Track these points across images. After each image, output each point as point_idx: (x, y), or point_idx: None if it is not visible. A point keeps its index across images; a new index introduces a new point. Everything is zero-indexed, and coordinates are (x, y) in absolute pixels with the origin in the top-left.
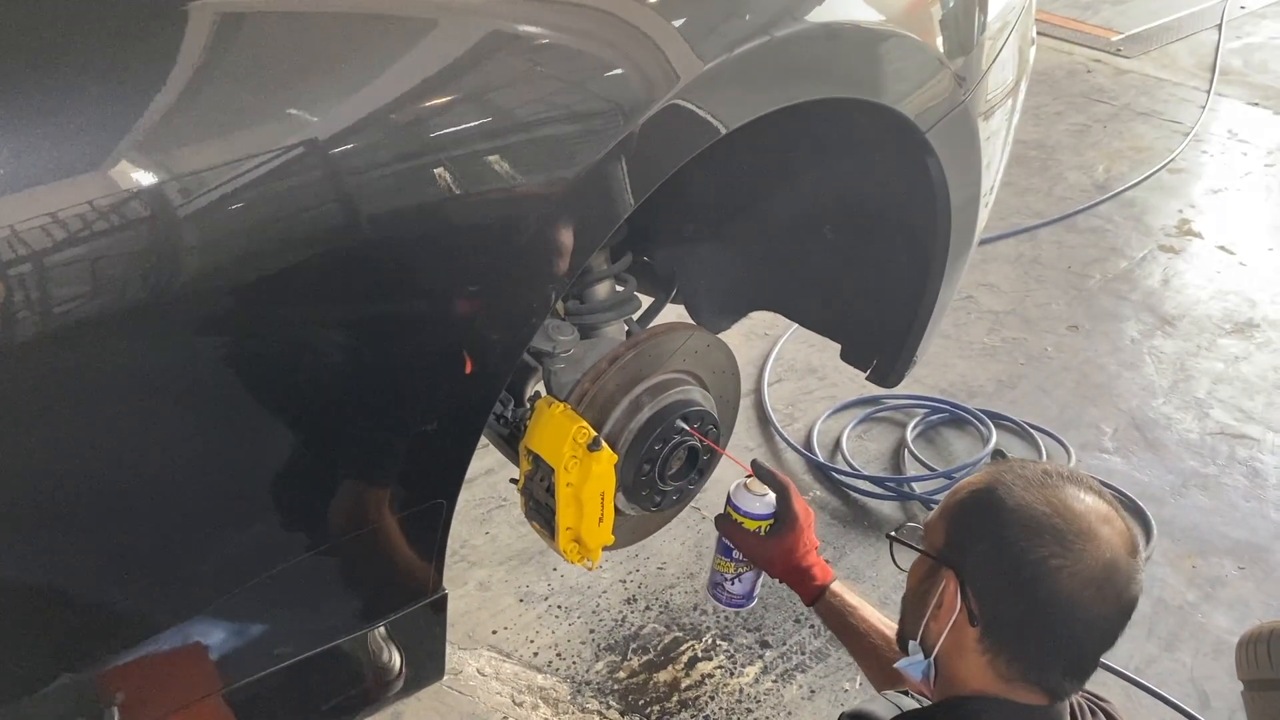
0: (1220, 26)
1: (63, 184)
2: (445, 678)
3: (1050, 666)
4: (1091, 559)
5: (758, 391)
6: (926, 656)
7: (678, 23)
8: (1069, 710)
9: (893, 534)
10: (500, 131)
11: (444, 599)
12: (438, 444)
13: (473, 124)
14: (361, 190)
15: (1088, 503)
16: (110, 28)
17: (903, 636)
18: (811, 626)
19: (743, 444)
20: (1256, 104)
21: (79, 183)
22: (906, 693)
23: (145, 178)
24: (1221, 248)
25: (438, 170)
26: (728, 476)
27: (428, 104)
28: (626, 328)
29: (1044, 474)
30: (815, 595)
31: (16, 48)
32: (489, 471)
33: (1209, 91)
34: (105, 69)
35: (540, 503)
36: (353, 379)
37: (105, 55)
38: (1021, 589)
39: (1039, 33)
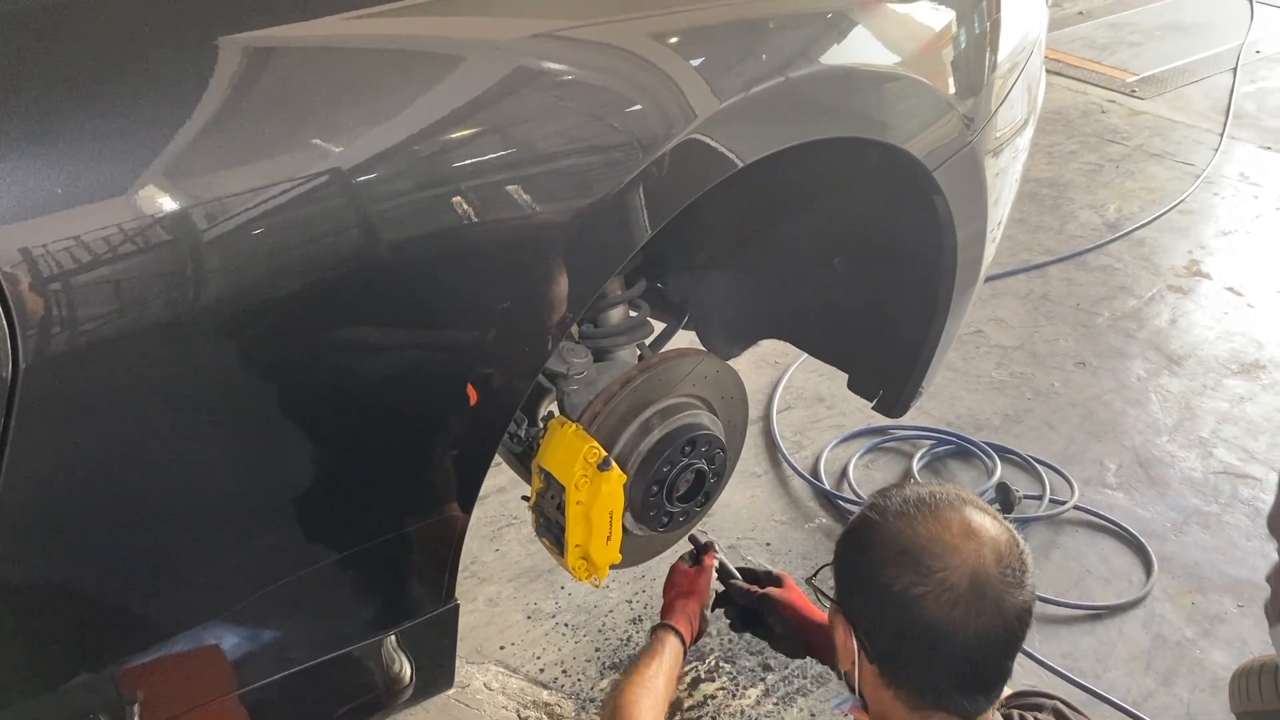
0: (1235, 70)
1: (106, 204)
2: (453, 690)
3: (948, 689)
4: (955, 578)
5: (766, 418)
6: (852, 692)
7: (696, 62)
8: None
9: (811, 580)
10: (524, 162)
11: (455, 609)
12: (455, 459)
13: (498, 155)
14: (390, 217)
15: (948, 521)
16: (150, 62)
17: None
18: None
19: (750, 470)
20: (1269, 148)
21: (117, 203)
22: None
23: (177, 202)
24: (1230, 289)
25: (461, 198)
26: (735, 501)
27: (455, 135)
28: (639, 352)
29: (907, 502)
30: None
31: (70, 80)
32: (501, 490)
33: (1222, 134)
34: (146, 99)
35: (551, 520)
36: (375, 396)
37: (147, 86)
38: (894, 622)
39: (1055, 73)
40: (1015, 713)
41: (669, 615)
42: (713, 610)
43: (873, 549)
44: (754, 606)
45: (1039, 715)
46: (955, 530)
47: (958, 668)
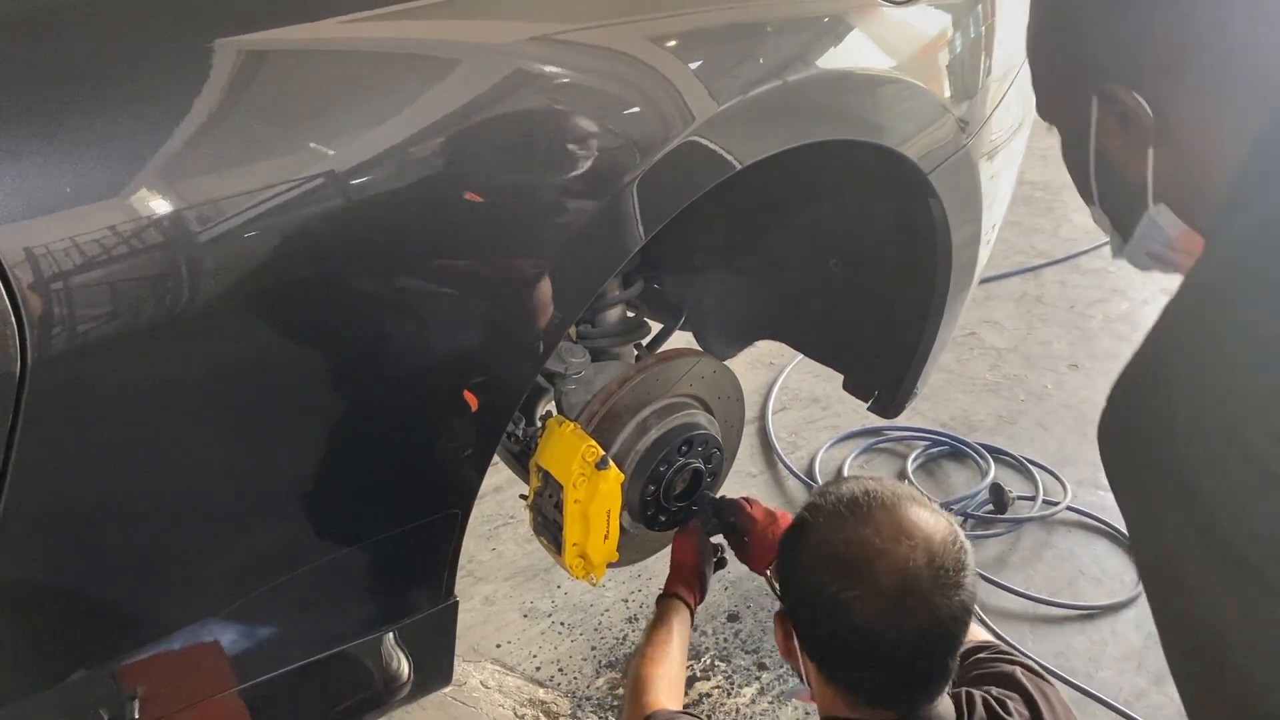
0: None
1: (113, 202)
2: (450, 688)
3: (883, 689)
4: (884, 582)
5: (762, 419)
6: (803, 682)
7: (694, 65)
8: (959, 705)
9: (767, 573)
10: (523, 165)
11: (454, 606)
12: (455, 457)
13: (497, 158)
14: (392, 219)
15: (879, 523)
16: (158, 62)
17: None
18: None
19: (746, 470)
20: None
21: (124, 202)
22: None
23: (183, 202)
24: None
25: (460, 201)
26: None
27: (454, 139)
28: (636, 352)
29: (840, 502)
30: None
31: (78, 78)
32: (497, 490)
33: None
34: (155, 98)
35: (548, 519)
36: (375, 396)
37: (155, 86)
38: (826, 625)
39: None
40: (964, 691)
41: (669, 584)
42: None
43: (805, 553)
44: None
45: (992, 691)
46: (885, 533)
47: (892, 669)
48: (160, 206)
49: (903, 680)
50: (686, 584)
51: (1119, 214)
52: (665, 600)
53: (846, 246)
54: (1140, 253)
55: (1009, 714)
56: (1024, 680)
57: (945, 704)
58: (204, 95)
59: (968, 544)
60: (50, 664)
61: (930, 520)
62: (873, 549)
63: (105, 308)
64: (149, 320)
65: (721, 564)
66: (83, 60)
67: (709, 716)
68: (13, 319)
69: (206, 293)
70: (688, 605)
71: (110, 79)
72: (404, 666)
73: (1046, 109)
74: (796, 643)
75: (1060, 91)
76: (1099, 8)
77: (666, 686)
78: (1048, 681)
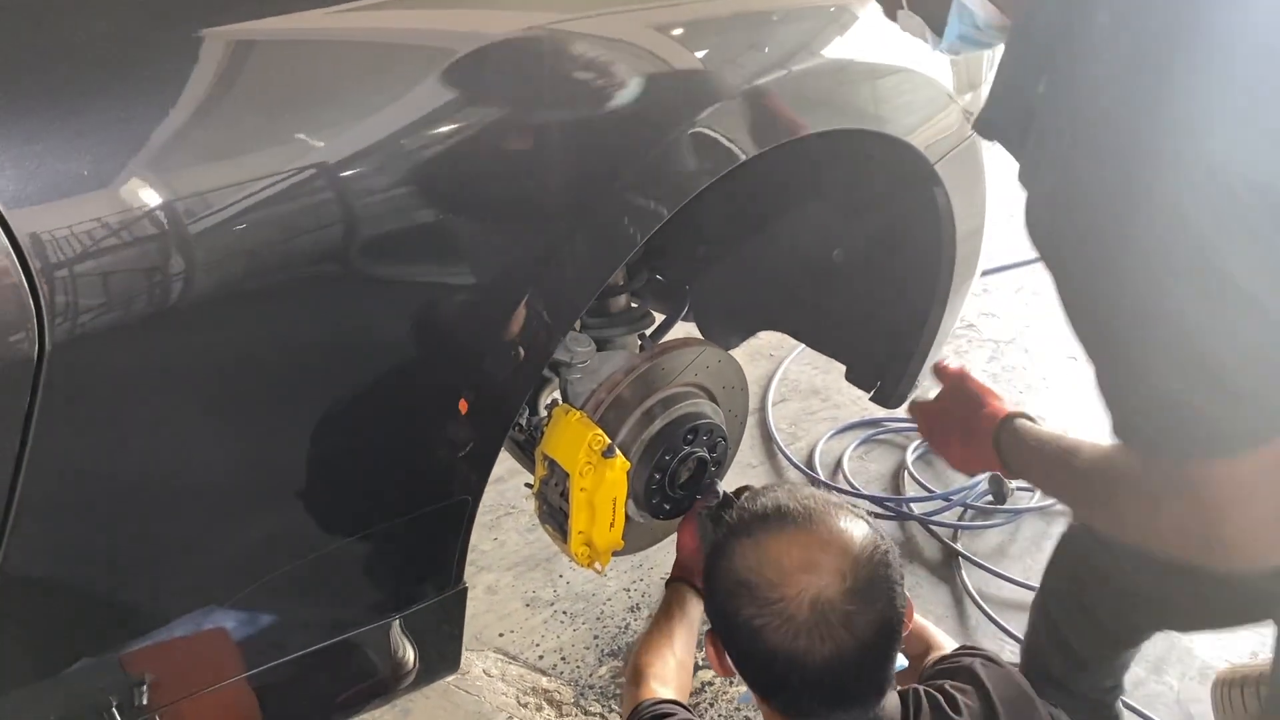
0: None
1: (131, 187)
2: (453, 676)
3: (814, 706)
4: (794, 608)
5: (762, 410)
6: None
7: (700, 54)
8: (906, 703)
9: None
10: (527, 156)
11: (463, 593)
12: (467, 444)
13: (502, 150)
14: (393, 216)
15: (788, 543)
16: (177, 45)
17: None
18: None
19: (746, 461)
20: None
21: (142, 188)
22: None
23: (201, 189)
24: None
25: (466, 193)
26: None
27: (459, 132)
28: (640, 342)
29: (754, 520)
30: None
31: (96, 62)
32: (498, 480)
33: None
34: (173, 83)
35: (554, 507)
36: (389, 385)
37: (174, 70)
38: (744, 648)
39: None
40: (913, 689)
41: (675, 569)
42: None
43: (719, 577)
44: None
45: (945, 687)
46: (795, 553)
47: (817, 688)
48: (181, 191)
49: (831, 697)
50: (691, 569)
51: (928, 9)
52: (669, 585)
53: (850, 237)
54: (954, 39)
55: (958, 710)
56: (980, 673)
57: (891, 705)
58: (221, 81)
59: (891, 553)
60: (60, 650)
61: (845, 533)
62: (781, 572)
63: (125, 294)
64: (169, 307)
65: None
66: (100, 42)
67: (711, 705)
68: (31, 304)
69: (226, 280)
70: (695, 588)
71: (129, 61)
72: (411, 653)
73: None
74: (730, 661)
75: None
76: None
77: (661, 672)
78: (1007, 670)
